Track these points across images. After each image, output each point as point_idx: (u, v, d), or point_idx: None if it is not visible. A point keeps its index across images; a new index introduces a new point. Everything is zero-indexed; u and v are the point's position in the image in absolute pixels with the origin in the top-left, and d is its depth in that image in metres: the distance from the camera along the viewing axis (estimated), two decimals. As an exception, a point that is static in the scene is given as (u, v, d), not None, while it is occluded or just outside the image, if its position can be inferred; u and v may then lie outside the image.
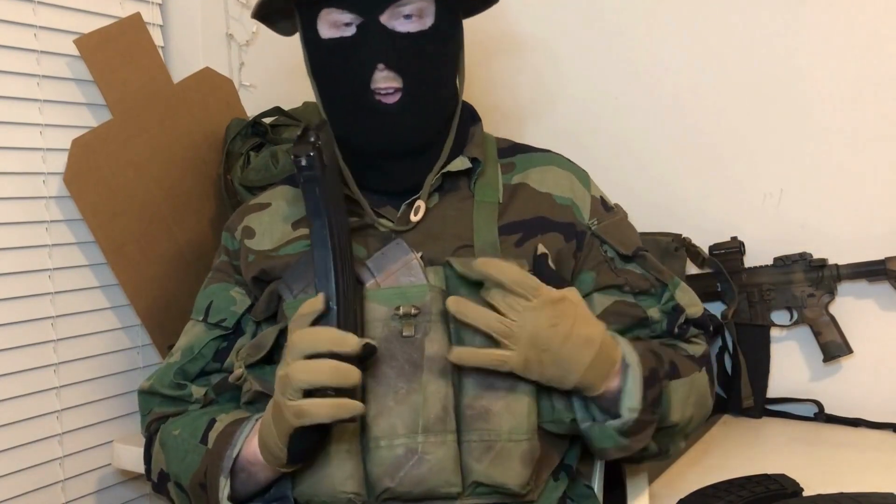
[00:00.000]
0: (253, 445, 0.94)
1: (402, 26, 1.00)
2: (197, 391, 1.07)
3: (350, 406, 0.85)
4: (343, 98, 1.03)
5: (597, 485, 1.14)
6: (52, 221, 1.38)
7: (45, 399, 1.38)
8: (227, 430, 0.97)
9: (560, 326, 0.90)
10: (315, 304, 0.88)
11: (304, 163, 0.89)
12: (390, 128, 1.02)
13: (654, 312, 1.06)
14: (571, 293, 0.93)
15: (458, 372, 0.96)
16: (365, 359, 0.89)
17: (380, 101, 1.01)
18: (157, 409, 1.08)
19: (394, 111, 1.01)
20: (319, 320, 0.88)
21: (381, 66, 0.99)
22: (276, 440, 0.89)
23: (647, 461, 1.05)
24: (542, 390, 0.98)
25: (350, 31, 1.00)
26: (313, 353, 0.85)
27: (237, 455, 0.94)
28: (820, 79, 1.50)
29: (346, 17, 1.00)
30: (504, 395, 0.95)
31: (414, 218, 1.03)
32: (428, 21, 1.02)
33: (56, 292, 1.38)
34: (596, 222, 1.08)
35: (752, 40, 1.55)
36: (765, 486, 1.12)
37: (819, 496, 1.04)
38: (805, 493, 1.11)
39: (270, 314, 1.05)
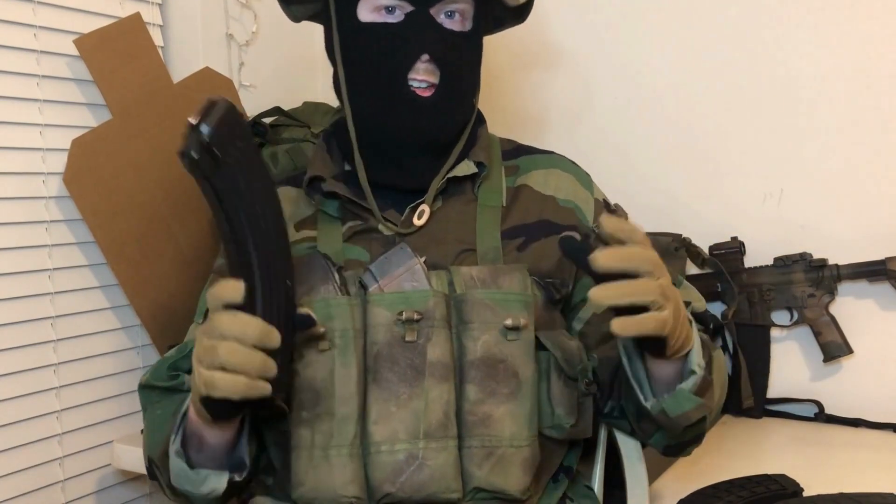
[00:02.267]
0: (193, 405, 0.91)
1: (447, 23, 1.02)
2: (189, 380, 1.06)
3: (261, 388, 0.82)
4: (377, 85, 1.02)
5: (597, 485, 1.14)
6: (52, 221, 1.37)
7: (45, 399, 1.37)
8: (185, 398, 0.96)
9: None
10: (235, 292, 0.81)
11: (188, 161, 0.77)
12: (422, 121, 1.02)
13: None
14: None
15: (460, 377, 0.96)
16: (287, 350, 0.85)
17: (415, 92, 1.01)
18: (156, 399, 1.07)
19: (428, 104, 1.01)
20: (240, 307, 0.81)
21: (425, 56, 1.00)
22: (194, 397, 0.87)
23: (687, 451, 1.03)
24: (543, 396, 0.98)
25: (396, 18, 1.01)
26: (238, 339, 0.80)
27: (184, 412, 0.92)
28: (820, 79, 1.50)
29: (394, 2, 1.00)
30: (506, 401, 0.95)
31: (418, 222, 1.03)
32: (468, 24, 1.04)
33: (56, 292, 1.38)
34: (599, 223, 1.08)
35: (752, 41, 1.55)
36: (765, 487, 1.12)
37: (819, 496, 1.05)
38: (805, 494, 1.11)
39: None
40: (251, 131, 0.83)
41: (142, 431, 1.07)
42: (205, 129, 0.76)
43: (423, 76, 1.01)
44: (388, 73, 1.01)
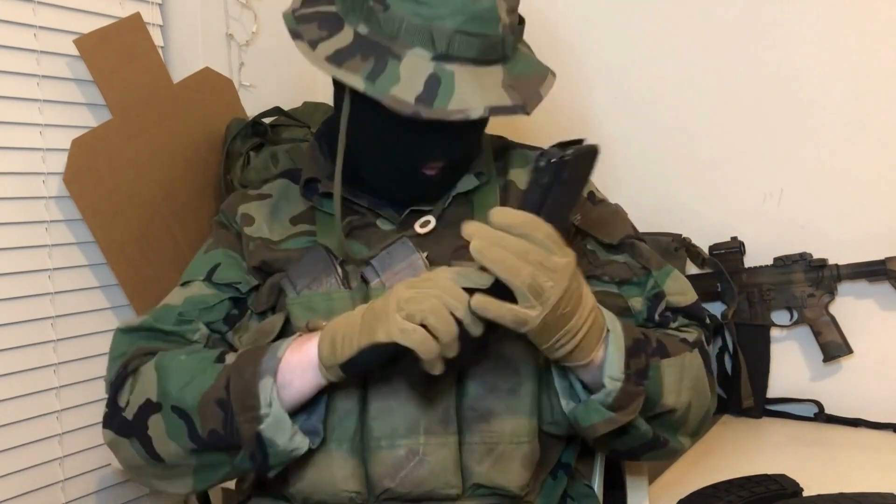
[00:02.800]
0: (299, 348, 0.89)
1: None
2: (203, 329, 1.04)
3: (438, 365, 0.82)
4: (386, 162, 1.02)
5: (597, 484, 1.14)
6: (52, 221, 1.37)
7: (45, 399, 1.37)
8: (258, 348, 0.93)
9: (580, 287, 0.86)
10: (483, 279, 0.82)
11: (537, 165, 0.85)
12: (424, 193, 1.04)
13: (636, 302, 1.04)
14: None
15: (461, 373, 0.96)
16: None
17: (423, 173, 1.02)
18: (145, 343, 1.04)
19: (432, 182, 1.03)
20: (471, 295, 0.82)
21: (443, 158, 1.01)
22: (352, 339, 0.84)
23: (649, 456, 1.01)
24: (544, 392, 0.98)
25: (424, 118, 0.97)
26: (450, 308, 0.81)
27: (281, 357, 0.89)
28: (820, 79, 1.50)
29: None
30: (506, 397, 0.95)
31: (421, 230, 1.04)
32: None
33: (56, 292, 1.38)
34: (579, 217, 1.08)
35: (752, 42, 1.55)
36: (765, 487, 1.13)
37: (819, 496, 1.05)
38: (805, 494, 1.12)
39: (269, 307, 1.05)
40: (586, 184, 0.94)
41: (118, 378, 1.01)
42: (569, 151, 0.85)
43: (433, 164, 1.02)
44: (402, 160, 1.01)
